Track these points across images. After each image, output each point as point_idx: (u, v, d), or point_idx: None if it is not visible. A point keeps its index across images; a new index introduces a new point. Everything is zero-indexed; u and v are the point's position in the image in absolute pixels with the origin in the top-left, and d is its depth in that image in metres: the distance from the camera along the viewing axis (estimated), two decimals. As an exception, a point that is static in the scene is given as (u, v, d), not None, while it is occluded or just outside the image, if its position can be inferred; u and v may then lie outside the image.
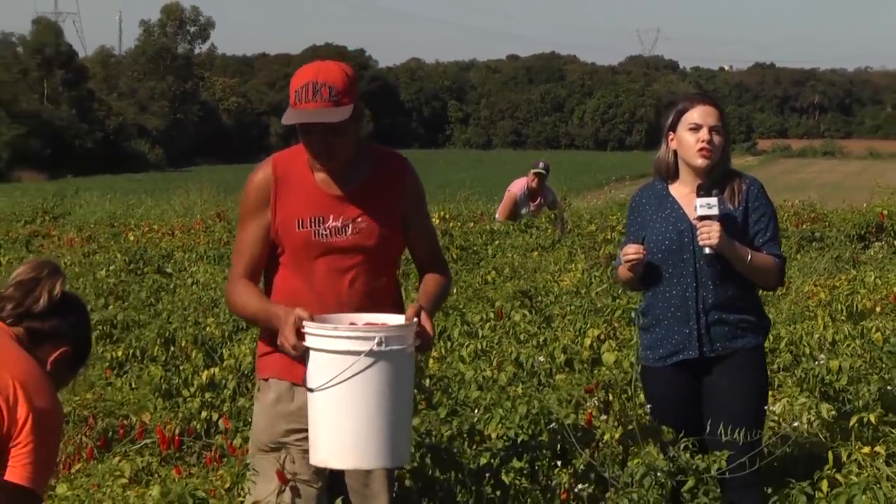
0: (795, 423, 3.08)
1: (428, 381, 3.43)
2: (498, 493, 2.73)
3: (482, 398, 3.22)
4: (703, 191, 2.62)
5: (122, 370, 4.34)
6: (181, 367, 4.05)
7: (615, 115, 69.90)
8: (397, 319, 2.17)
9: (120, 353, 4.40)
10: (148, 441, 3.41)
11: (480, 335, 4.42)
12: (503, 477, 2.76)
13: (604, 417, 2.96)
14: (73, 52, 52.72)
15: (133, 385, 4.09)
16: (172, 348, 4.35)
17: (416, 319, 2.15)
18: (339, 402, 2.07)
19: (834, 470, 2.65)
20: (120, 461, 3.13)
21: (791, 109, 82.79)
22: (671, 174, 2.71)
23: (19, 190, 23.50)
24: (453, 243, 7.37)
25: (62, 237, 8.93)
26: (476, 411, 3.08)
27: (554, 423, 2.87)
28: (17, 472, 1.76)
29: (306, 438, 2.20)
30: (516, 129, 71.62)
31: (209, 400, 3.70)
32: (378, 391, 2.07)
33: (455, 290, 5.53)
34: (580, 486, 2.77)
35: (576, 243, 7.22)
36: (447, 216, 9.08)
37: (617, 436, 2.87)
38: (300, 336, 2.11)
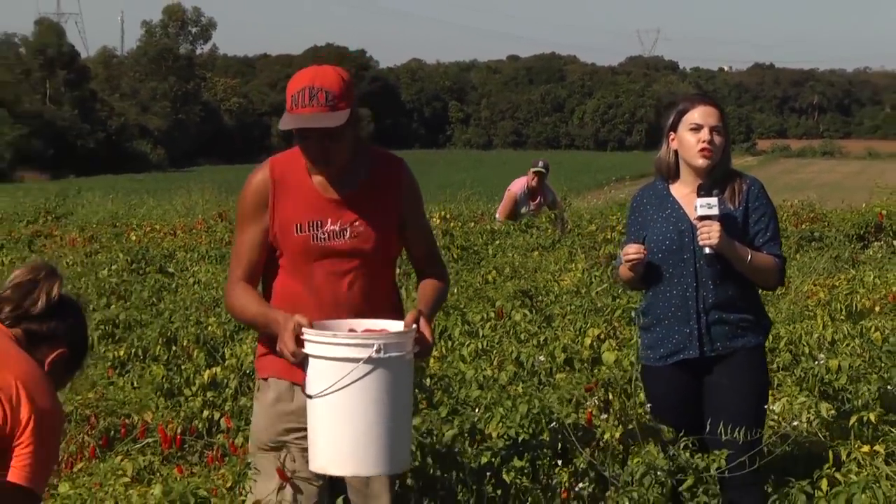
0: (795, 423, 3.09)
1: (429, 380, 3.44)
2: (499, 491, 2.74)
3: (483, 397, 3.22)
4: (703, 191, 2.62)
5: (125, 369, 4.35)
6: (183, 367, 4.06)
7: (615, 115, 69.90)
8: (396, 326, 2.18)
9: (122, 353, 4.41)
10: (150, 440, 3.42)
11: (481, 334, 4.43)
12: (504, 476, 2.76)
13: (604, 416, 2.97)
14: (75, 53, 52.79)
15: (135, 384, 4.10)
16: (174, 348, 4.36)
17: (415, 326, 2.15)
18: (338, 409, 2.07)
19: (833, 469, 2.66)
20: (122, 460, 3.14)
21: (790, 110, 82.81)
22: (672, 174, 2.72)
23: (22, 190, 23.55)
24: (454, 243, 7.38)
25: (64, 237, 8.94)
26: (477, 410, 3.09)
27: (554, 423, 2.88)
28: (17, 472, 1.78)
29: (306, 437, 2.20)
30: (517, 129, 71.61)
31: (211, 399, 3.70)
32: (377, 398, 2.07)
33: (456, 290, 5.54)
34: (580, 484, 2.78)
35: (576, 243, 7.23)
36: (448, 216, 9.09)
37: (617, 435, 2.88)
38: (299, 343, 2.12)
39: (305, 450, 2.22)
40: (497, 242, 7.47)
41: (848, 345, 3.85)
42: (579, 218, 8.50)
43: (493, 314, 4.71)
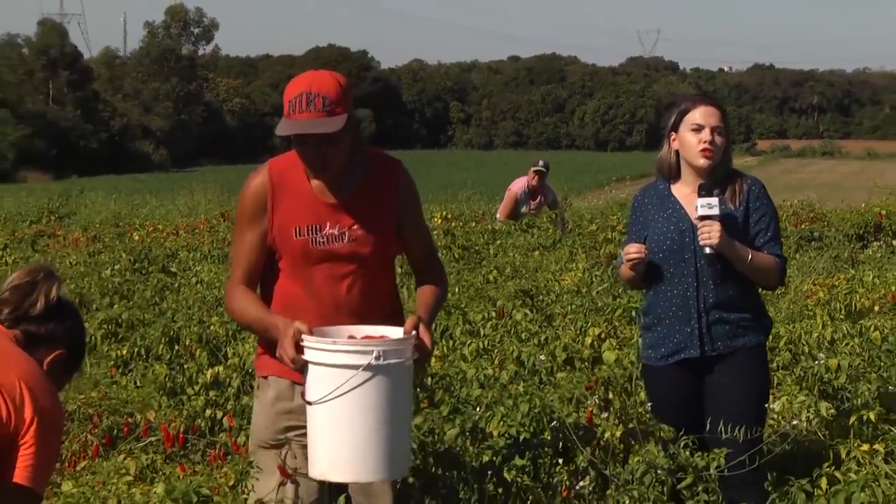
0: (795, 421, 3.10)
1: (430, 379, 3.45)
2: (500, 490, 2.75)
3: (484, 396, 3.23)
4: (703, 191, 2.63)
5: (127, 368, 4.36)
6: (185, 366, 4.07)
7: (615, 115, 69.90)
8: (396, 333, 2.18)
9: (125, 352, 4.42)
10: (153, 439, 3.42)
11: (482, 334, 4.44)
12: (505, 474, 2.77)
13: (605, 415, 2.98)
14: (78, 54, 52.82)
15: (138, 383, 4.11)
16: (177, 347, 4.38)
17: (414, 332, 2.16)
18: (338, 416, 2.08)
19: (833, 467, 2.66)
20: (125, 459, 3.15)
21: (790, 110, 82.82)
22: (673, 174, 2.72)
23: (25, 190, 23.58)
24: (455, 243, 7.40)
25: (67, 237, 8.96)
26: (478, 409, 3.10)
27: (555, 422, 2.89)
28: (20, 473, 1.80)
29: (306, 434, 2.22)
30: (517, 129, 71.61)
31: (213, 398, 3.71)
32: (376, 405, 2.08)
33: (457, 289, 5.55)
34: (581, 483, 2.79)
35: (576, 243, 7.25)
36: (449, 216, 9.09)
37: (618, 434, 2.89)
38: (299, 349, 2.13)
39: (306, 447, 2.23)
40: (498, 242, 7.49)
41: (847, 344, 3.86)
42: (580, 218, 8.51)
43: (494, 313, 4.73)
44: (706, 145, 2.64)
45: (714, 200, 2.61)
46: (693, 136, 2.66)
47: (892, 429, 3.11)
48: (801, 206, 8.97)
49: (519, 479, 2.79)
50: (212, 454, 3.24)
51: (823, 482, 2.55)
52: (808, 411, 3.21)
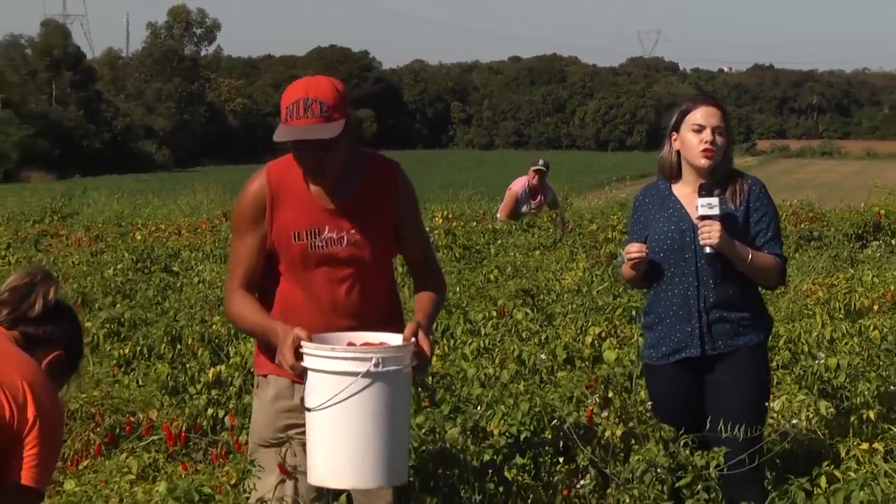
0: (794, 420, 3.11)
1: (431, 378, 3.45)
2: (501, 489, 2.75)
3: (485, 395, 3.23)
4: (704, 191, 2.64)
5: (130, 367, 4.37)
6: (188, 365, 4.08)
7: (616, 115, 69.89)
8: (395, 339, 2.19)
9: (127, 351, 4.43)
10: (155, 438, 3.43)
11: (483, 333, 4.45)
12: (506, 473, 2.77)
13: (605, 414, 2.98)
14: (80, 54, 52.86)
15: (140, 382, 4.12)
16: (179, 346, 4.39)
17: (413, 339, 2.17)
18: (337, 422, 2.10)
19: (832, 466, 2.67)
20: (127, 457, 3.16)
21: (790, 110, 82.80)
22: (674, 174, 2.73)
23: (28, 190, 23.59)
24: (456, 242, 7.41)
25: (70, 236, 8.98)
26: (479, 408, 3.11)
27: (556, 420, 2.90)
28: (24, 473, 1.82)
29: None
30: (518, 129, 71.60)
31: (215, 397, 3.72)
32: (375, 412, 2.09)
33: (458, 289, 5.56)
34: (582, 482, 2.80)
35: (577, 242, 7.25)
36: (450, 216, 9.11)
37: (618, 433, 2.90)
38: (298, 356, 2.14)
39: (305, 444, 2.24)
40: (499, 242, 7.50)
41: (847, 343, 3.86)
42: (580, 217, 8.52)
43: (494, 313, 4.74)
44: (707, 146, 2.65)
45: (714, 200, 2.61)
46: (694, 136, 2.67)
47: (892, 428, 3.11)
48: (801, 205, 8.98)
49: (519, 478, 2.79)
50: (213, 453, 3.25)
51: (823, 481, 2.55)
52: (808, 410, 3.22)
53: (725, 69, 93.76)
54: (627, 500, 2.55)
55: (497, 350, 4.13)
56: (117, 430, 3.57)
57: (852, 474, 2.62)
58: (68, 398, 3.69)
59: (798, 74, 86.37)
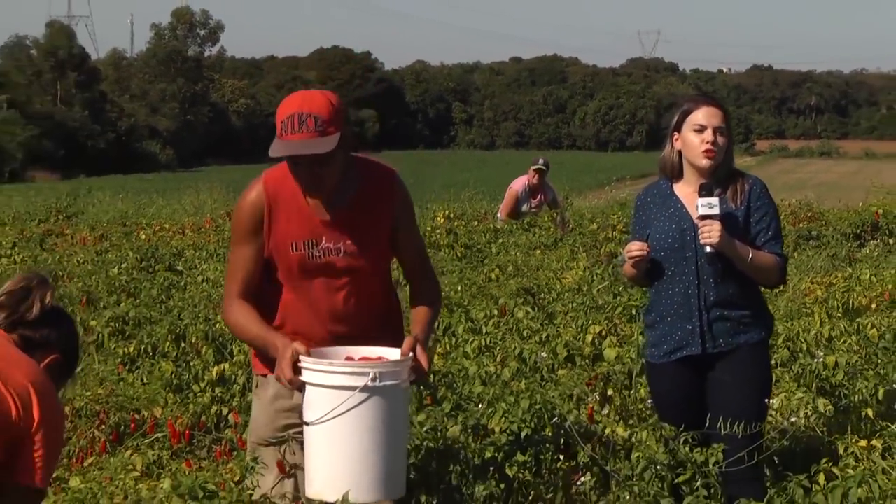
0: (793, 418, 3.13)
1: (433, 376, 3.48)
2: (502, 486, 2.77)
3: (486, 393, 3.25)
4: (704, 190, 2.65)
5: (134, 366, 4.38)
6: (192, 363, 4.10)
7: (616, 116, 69.81)
8: (393, 354, 2.20)
9: (132, 349, 4.45)
10: (159, 435, 3.43)
11: (484, 331, 4.47)
12: (507, 470, 2.78)
13: (605, 411, 3.00)
14: (85, 55, 52.90)
15: (144, 380, 4.13)
16: (183, 344, 4.40)
17: (411, 354, 2.18)
18: (334, 436, 2.11)
19: (831, 463, 2.68)
20: (132, 455, 3.17)
21: (788, 111, 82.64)
22: (675, 174, 2.74)
23: (33, 189, 23.62)
24: (458, 242, 7.44)
25: (75, 236, 9.00)
26: (480, 406, 3.13)
27: (556, 418, 2.91)
28: (29, 473, 1.86)
29: None
30: (519, 130, 71.54)
31: (219, 395, 3.73)
32: (372, 426, 2.11)
33: (459, 287, 5.58)
34: (582, 479, 2.82)
35: (577, 241, 7.27)
36: (452, 215, 9.13)
37: (619, 430, 2.92)
38: (297, 370, 2.15)
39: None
40: (500, 241, 7.52)
41: (845, 341, 3.87)
42: (581, 217, 8.54)
43: (496, 311, 4.76)
44: (708, 146, 2.66)
45: (715, 200, 2.63)
46: (695, 136, 2.68)
47: (889, 425, 3.13)
48: (799, 205, 8.99)
49: (520, 475, 2.81)
50: (217, 450, 3.27)
51: (821, 478, 2.56)
52: (807, 408, 3.24)
53: (725, 70, 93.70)
54: (628, 497, 2.57)
55: (498, 348, 4.15)
56: (122, 427, 3.58)
57: (850, 471, 2.63)
58: (73, 396, 3.71)
59: (797, 75, 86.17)
